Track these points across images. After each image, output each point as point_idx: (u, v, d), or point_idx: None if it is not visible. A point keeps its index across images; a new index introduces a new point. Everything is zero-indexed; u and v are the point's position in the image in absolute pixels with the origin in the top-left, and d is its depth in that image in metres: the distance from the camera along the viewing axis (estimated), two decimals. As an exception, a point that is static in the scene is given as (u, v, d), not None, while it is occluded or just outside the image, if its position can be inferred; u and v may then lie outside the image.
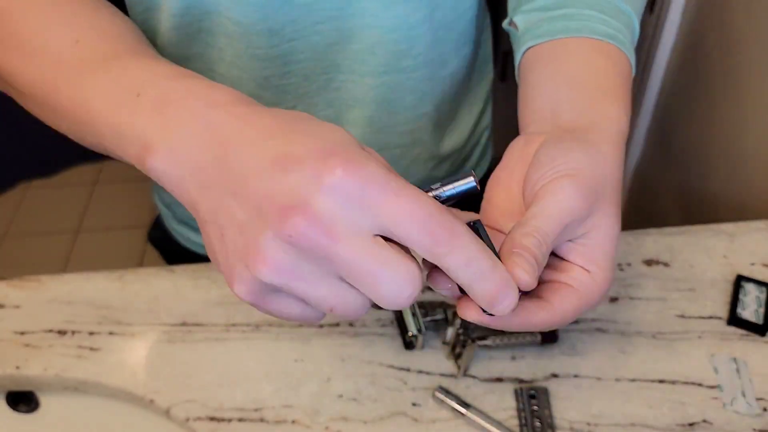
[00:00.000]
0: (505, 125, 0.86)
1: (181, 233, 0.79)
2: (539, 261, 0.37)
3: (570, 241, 0.41)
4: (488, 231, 0.42)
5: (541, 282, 0.40)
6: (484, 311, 0.35)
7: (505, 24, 0.55)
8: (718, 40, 0.96)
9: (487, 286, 0.33)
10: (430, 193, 0.36)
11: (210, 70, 0.60)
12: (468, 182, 0.36)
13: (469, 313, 0.36)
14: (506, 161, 0.46)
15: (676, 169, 1.11)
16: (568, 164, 0.41)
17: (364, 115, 0.63)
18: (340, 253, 0.31)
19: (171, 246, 0.82)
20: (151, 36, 0.60)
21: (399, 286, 0.32)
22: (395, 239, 0.32)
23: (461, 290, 0.36)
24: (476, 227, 0.37)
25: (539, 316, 0.39)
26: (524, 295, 0.39)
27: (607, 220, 0.41)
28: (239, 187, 0.33)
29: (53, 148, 2.40)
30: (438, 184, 0.36)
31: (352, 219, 0.31)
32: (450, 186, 0.36)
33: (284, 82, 0.60)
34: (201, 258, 0.77)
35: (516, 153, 0.46)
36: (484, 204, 0.46)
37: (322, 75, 0.60)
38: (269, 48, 0.57)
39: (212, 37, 0.57)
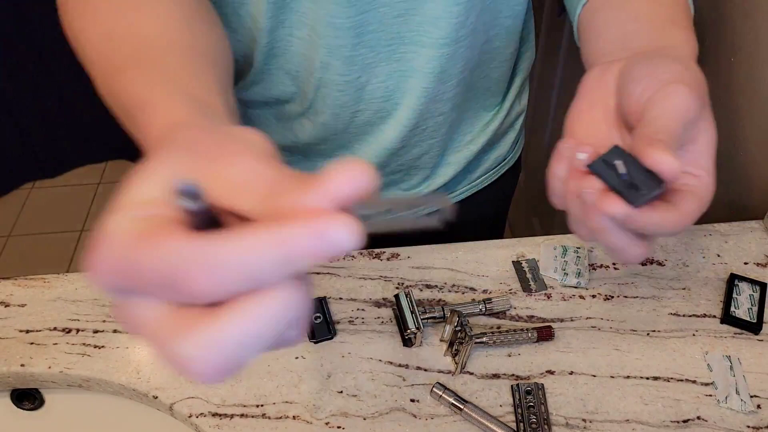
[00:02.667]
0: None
1: None
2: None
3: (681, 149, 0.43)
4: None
5: None
6: (629, 203, 0.39)
7: None
8: (714, 41, 0.97)
9: None
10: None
11: (290, 35, 0.63)
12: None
13: (615, 208, 0.40)
14: (584, 91, 0.48)
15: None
16: (671, 73, 0.43)
17: (420, 86, 0.66)
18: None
19: None
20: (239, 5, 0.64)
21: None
22: None
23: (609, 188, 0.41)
24: None
25: (670, 216, 0.41)
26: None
27: (709, 126, 0.43)
28: None
29: (57, 148, 2.41)
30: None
31: None
32: None
33: (353, 53, 0.62)
34: None
35: (593, 82, 0.48)
36: (567, 136, 0.48)
37: (387, 46, 0.63)
38: (345, 18, 0.59)
39: (297, 2, 0.60)
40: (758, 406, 0.56)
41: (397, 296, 0.62)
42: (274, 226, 0.25)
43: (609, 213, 0.40)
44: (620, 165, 0.41)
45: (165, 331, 0.26)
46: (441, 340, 0.61)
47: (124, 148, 2.49)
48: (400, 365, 0.60)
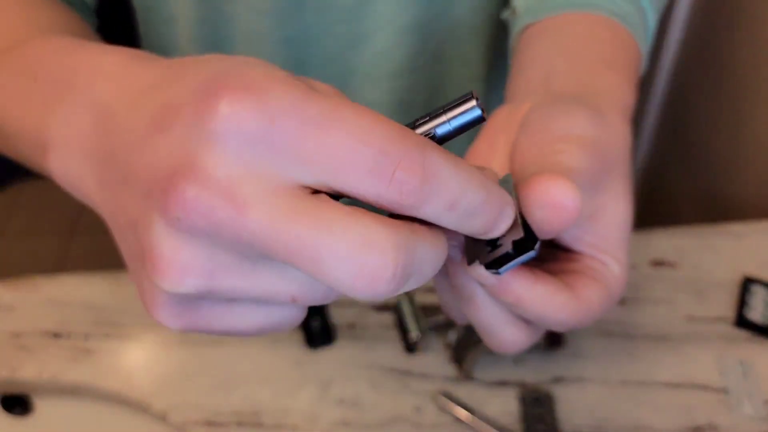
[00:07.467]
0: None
1: None
2: None
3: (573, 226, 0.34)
4: None
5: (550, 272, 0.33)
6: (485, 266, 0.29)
7: (504, 14, 0.53)
8: (731, 33, 0.96)
9: (479, 221, 0.25)
10: (418, 130, 0.25)
11: None
12: (470, 109, 0.24)
13: (479, 269, 0.29)
14: (486, 132, 0.39)
15: (681, 169, 1.10)
16: (569, 128, 0.34)
17: None
18: (251, 226, 0.21)
19: None
20: (170, 50, 0.60)
21: (355, 260, 0.21)
22: (343, 194, 0.22)
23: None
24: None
25: (559, 301, 0.31)
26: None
27: (617, 199, 0.34)
28: (126, 170, 0.24)
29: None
30: (425, 117, 0.25)
31: (260, 172, 0.21)
32: (444, 117, 0.24)
33: None
34: None
35: (499, 123, 0.39)
36: None
37: (335, 80, 0.59)
38: (285, 56, 0.56)
39: (232, 44, 0.57)
40: (773, 414, 0.55)
41: (398, 301, 0.61)
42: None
43: (475, 274, 0.30)
44: None
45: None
46: (446, 346, 0.60)
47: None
48: (402, 372, 0.58)
